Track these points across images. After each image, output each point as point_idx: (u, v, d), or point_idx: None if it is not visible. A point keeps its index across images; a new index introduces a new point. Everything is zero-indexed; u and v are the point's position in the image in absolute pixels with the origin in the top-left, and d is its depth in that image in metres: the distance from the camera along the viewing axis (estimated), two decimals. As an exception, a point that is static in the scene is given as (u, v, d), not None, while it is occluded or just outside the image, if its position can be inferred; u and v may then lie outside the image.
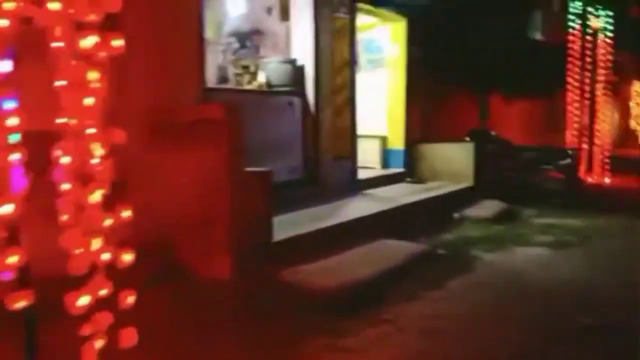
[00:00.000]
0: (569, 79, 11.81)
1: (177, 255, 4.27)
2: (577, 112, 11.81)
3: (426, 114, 9.42)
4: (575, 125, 11.92)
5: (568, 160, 8.31)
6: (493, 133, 8.81)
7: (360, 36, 9.71)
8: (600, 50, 11.71)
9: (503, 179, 8.73)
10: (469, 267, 5.51)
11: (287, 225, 5.22)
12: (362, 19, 8.23)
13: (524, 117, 13.80)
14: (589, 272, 5.42)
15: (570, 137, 12.01)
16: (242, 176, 4.40)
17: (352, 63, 7.57)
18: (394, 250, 5.69)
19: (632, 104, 20.62)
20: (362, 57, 9.85)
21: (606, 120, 19.78)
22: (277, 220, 4.90)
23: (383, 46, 9.26)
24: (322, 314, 3.95)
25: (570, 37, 11.66)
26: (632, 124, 20.76)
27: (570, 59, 11.73)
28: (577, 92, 11.81)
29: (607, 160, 11.87)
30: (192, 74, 5.08)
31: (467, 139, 8.82)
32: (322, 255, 4.96)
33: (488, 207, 7.78)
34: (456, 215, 7.41)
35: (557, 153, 8.40)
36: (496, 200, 8.15)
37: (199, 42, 5.26)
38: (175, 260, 4.24)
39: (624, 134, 21.63)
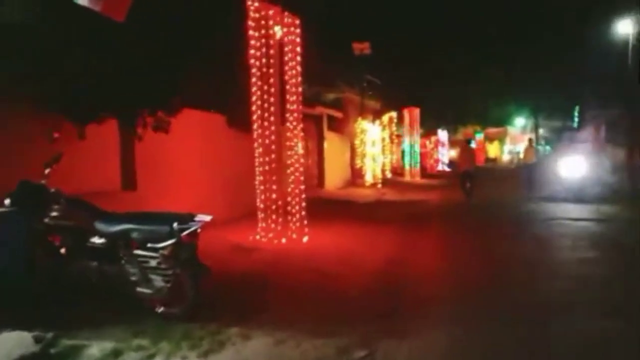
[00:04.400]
0: (254, 107, 8.46)
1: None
2: (260, 150, 8.48)
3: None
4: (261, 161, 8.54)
5: (185, 233, 4.35)
6: (52, 190, 4.56)
7: None
8: (289, 72, 8.62)
9: (71, 274, 4.48)
10: None
11: None
12: None
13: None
14: None
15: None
16: None
17: None
18: None
19: (357, 141, 19.13)
20: None
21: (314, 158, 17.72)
22: None
23: None
24: None
25: (252, 51, 8.33)
26: (358, 162, 19.25)
27: (253, 79, 8.40)
28: (262, 122, 8.50)
29: (301, 212, 8.70)
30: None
31: (8, 202, 4.37)
32: None
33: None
34: None
35: (170, 223, 4.37)
36: (24, 332, 3.80)
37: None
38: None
39: (355, 172, 20.22)
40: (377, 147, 18.96)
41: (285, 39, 8.45)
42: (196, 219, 4.43)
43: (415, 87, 29.23)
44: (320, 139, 17.53)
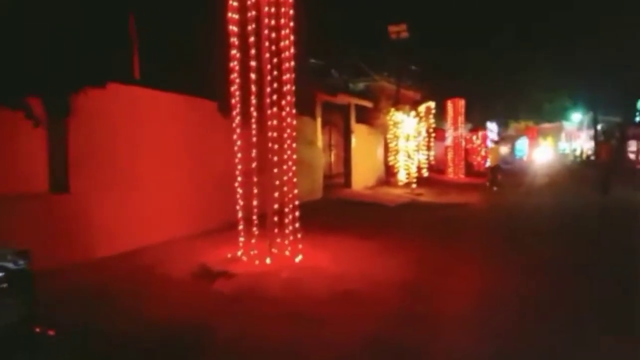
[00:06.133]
0: (232, 87, 6.44)
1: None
2: (239, 143, 6.45)
3: None
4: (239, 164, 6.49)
5: None
6: None
7: None
8: (283, 42, 6.50)
9: None
10: None
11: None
12: None
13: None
14: None
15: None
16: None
17: None
18: None
19: (390, 135, 16.78)
20: None
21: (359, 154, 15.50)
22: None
23: None
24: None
25: (229, 14, 6.32)
26: (391, 158, 16.90)
27: (233, 50, 6.39)
28: (244, 108, 6.47)
29: (294, 224, 6.60)
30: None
31: None
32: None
33: None
34: None
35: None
36: None
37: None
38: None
39: (390, 170, 17.89)
40: (413, 141, 16.58)
41: (271, -4, 6.35)
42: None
43: (460, 76, 26.45)
44: (347, 133, 15.36)
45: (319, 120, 12.95)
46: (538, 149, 48.31)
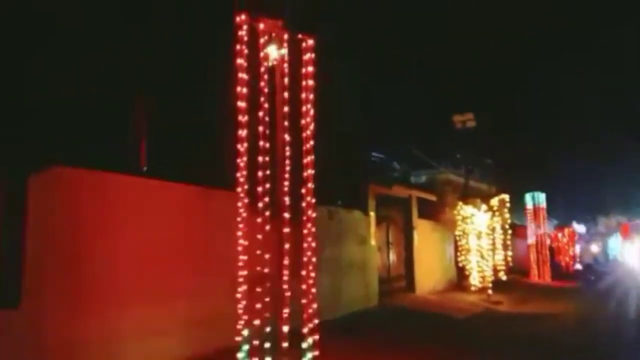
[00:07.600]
0: (238, 174, 5.13)
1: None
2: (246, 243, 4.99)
3: None
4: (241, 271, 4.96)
5: None
6: None
7: None
8: (304, 119, 5.23)
9: None
10: None
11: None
12: None
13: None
14: None
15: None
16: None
17: None
18: None
19: (459, 232, 14.65)
20: None
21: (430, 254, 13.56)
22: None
23: None
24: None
25: (238, 88, 5.18)
26: (462, 259, 14.61)
27: (239, 131, 5.17)
28: (250, 198, 5.09)
29: (312, 350, 4.82)
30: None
31: None
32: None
33: None
34: None
35: None
36: None
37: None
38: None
39: (460, 272, 15.49)
40: (486, 239, 14.34)
41: (284, 66, 5.19)
42: None
43: (538, 169, 24.12)
44: (408, 229, 13.52)
45: (372, 215, 11.35)
46: (634, 248, 42.58)
